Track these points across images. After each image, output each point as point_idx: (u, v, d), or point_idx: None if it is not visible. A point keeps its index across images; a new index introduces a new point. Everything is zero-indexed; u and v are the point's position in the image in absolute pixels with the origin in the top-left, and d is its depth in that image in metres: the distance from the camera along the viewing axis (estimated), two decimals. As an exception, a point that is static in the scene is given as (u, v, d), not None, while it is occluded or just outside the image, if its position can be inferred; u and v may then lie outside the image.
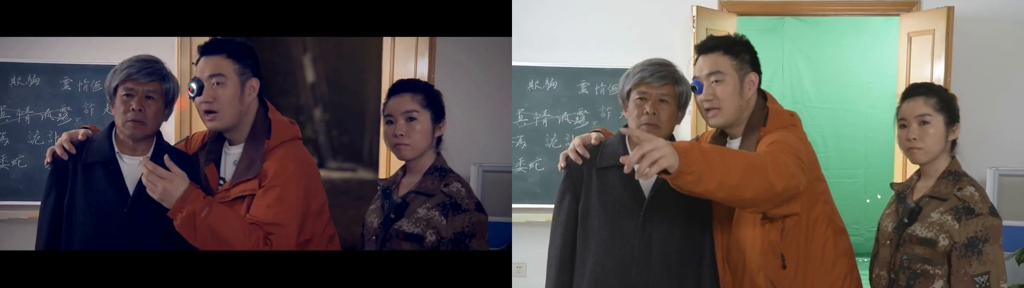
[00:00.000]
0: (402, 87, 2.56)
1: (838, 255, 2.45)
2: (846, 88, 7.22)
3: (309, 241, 2.54)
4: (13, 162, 4.76)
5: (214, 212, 2.32)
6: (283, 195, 2.46)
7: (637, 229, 2.44)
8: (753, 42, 2.51)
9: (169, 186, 2.29)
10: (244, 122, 2.59)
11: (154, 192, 2.30)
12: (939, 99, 2.42)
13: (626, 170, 2.12)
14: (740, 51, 2.45)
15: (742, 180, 2.04)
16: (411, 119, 2.50)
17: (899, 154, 5.12)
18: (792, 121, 2.49)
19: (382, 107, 2.58)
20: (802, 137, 2.44)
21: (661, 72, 2.47)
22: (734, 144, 2.50)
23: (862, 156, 7.14)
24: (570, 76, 5.16)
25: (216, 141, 2.65)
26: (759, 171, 2.08)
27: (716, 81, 2.43)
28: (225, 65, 2.53)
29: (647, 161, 1.93)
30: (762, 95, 2.51)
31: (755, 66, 2.48)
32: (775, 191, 2.11)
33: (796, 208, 2.30)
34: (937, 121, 2.41)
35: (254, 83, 2.58)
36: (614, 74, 5.07)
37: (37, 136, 4.77)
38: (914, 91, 2.46)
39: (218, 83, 2.52)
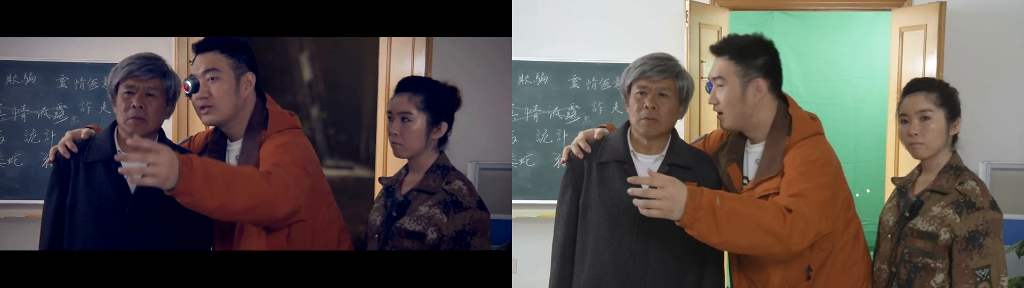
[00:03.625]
0: (405, 86, 2.55)
1: (857, 259, 2.45)
2: (835, 83, 7.21)
3: (305, 222, 2.47)
4: (9, 160, 4.74)
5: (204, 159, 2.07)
6: (279, 168, 2.34)
7: (635, 225, 2.43)
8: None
9: (158, 159, 1.91)
10: (241, 116, 2.55)
11: (158, 175, 1.91)
12: (940, 94, 2.43)
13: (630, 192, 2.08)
14: (749, 55, 2.42)
15: (752, 243, 2.13)
16: (405, 120, 2.50)
17: (891, 149, 5.13)
18: (815, 128, 2.46)
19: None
20: (827, 147, 2.43)
21: (661, 66, 2.44)
22: (756, 150, 2.49)
23: (851, 151, 7.13)
24: (561, 71, 5.13)
25: (219, 139, 2.63)
26: (775, 238, 2.13)
27: (719, 86, 2.44)
28: (219, 60, 2.50)
29: (646, 205, 2.03)
30: (783, 99, 2.49)
31: (769, 70, 2.43)
32: (790, 253, 2.21)
33: (827, 229, 2.31)
34: (938, 116, 2.42)
35: (250, 77, 2.55)
36: (606, 69, 5.07)
37: (33, 135, 4.76)
38: (915, 86, 2.47)
39: (213, 78, 2.49)
